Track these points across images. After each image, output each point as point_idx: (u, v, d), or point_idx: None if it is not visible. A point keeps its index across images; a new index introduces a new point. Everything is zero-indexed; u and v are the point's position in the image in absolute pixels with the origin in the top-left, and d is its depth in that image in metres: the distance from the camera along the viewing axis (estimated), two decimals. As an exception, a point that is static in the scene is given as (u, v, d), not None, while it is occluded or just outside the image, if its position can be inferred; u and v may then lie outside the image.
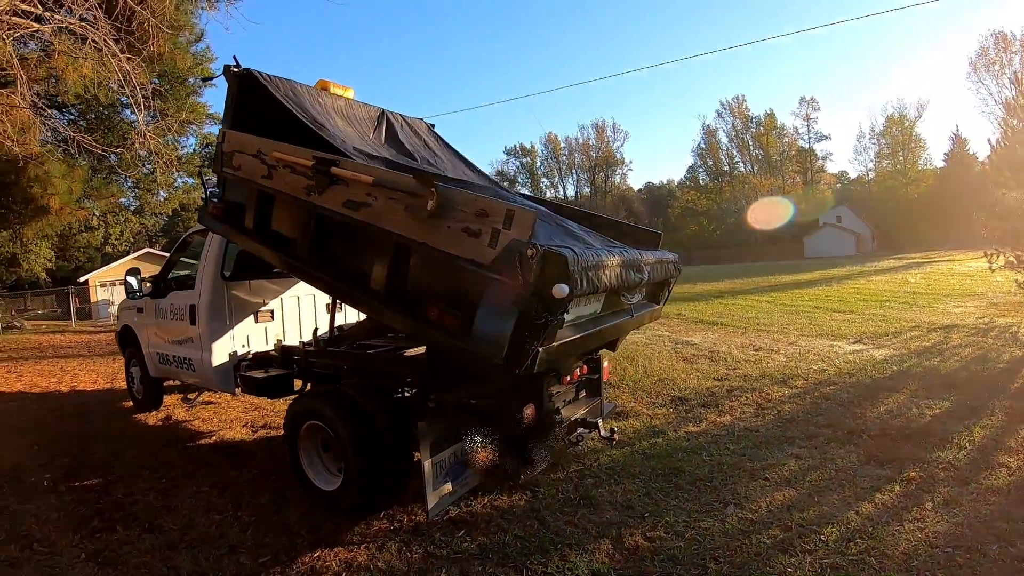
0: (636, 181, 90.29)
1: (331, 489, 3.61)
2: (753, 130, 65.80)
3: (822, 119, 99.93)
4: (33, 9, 6.12)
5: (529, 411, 3.29)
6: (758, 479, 3.70)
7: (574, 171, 74.35)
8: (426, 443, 3.01)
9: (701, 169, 69.57)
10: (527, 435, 3.33)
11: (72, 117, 13.39)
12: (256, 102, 4.05)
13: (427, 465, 2.99)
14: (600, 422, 3.86)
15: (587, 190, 73.23)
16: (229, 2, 15.73)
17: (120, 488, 4.28)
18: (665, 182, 75.34)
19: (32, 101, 9.07)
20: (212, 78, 19.17)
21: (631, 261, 3.27)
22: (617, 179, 74.03)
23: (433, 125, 5.69)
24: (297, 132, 3.81)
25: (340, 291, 3.58)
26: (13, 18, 6.02)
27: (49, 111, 11.75)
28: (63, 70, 7.55)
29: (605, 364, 4.42)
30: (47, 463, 4.88)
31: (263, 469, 4.42)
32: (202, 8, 15.08)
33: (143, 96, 7.70)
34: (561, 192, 74.84)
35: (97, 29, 6.76)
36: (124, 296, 6.48)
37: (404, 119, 5.22)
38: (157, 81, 12.59)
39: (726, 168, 67.52)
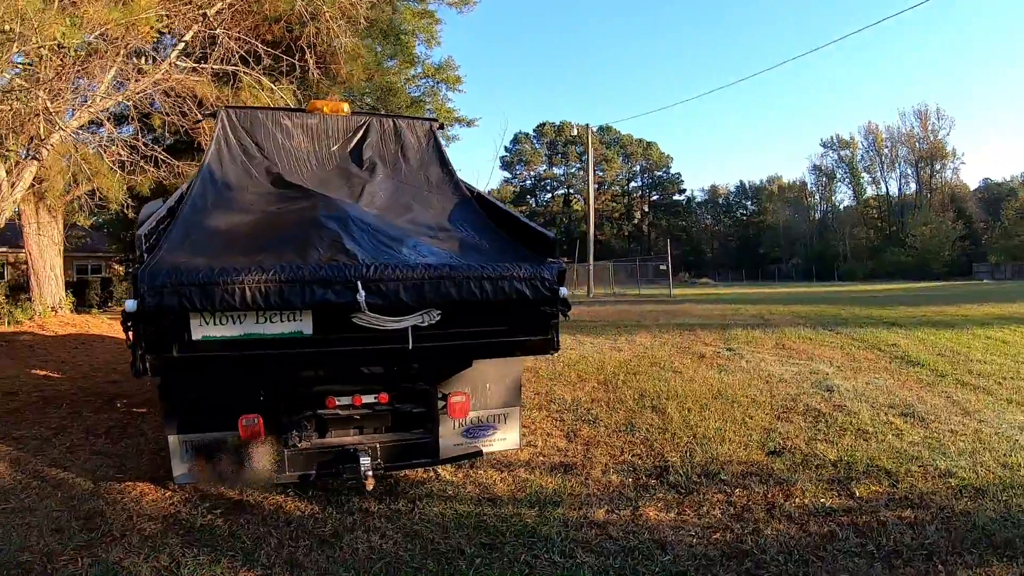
0: (972, 177, 71.58)
1: None
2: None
3: None
4: (190, 64, 7.91)
5: (246, 422, 3.28)
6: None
7: (898, 165, 62.49)
8: (170, 422, 3.41)
9: (1049, 161, 51.65)
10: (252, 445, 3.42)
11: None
12: None
13: (171, 440, 3.41)
14: (364, 459, 3.40)
15: (914, 186, 60.88)
16: (460, 9, 17.59)
17: (145, 419, 5.68)
18: (1008, 179, 59.10)
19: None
20: (459, 83, 21.72)
21: (316, 278, 2.87)
22: (948, 174, 59.50)
23: (442, 126, 5.81)
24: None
25: None
26: (174, 75, 7.90)
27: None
28: (249, 101, 9.48)
29: (455, 400, 3.75)
30: (140, 396, 6.56)
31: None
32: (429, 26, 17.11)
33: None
34: (883, 189, 64.54)
35: (250, 71, 8.38)
36: None
37: (396, 124, 5.48)
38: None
39: (1076, 159, 48.22)
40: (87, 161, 8.87)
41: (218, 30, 7.99)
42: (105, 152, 8.51)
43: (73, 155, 8.65)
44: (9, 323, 12.03)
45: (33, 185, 7.95)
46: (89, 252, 22.84)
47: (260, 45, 8.90)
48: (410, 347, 3.07)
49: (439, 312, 3.11)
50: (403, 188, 4.74)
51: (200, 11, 7.97)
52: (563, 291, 3.39)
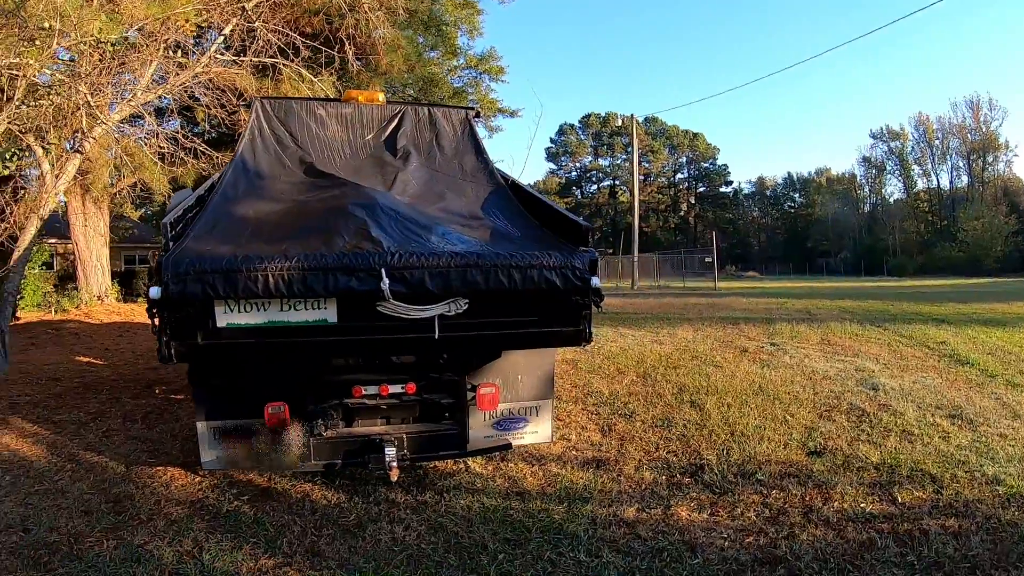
0: (1025, 169, 68.65)
1: None
2: None
3: None
4: (229, 58, 8.00)
5: (272, 409, 3.26)
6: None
7: (949, 156, 60.24)
8: (200, 408, 3.45)
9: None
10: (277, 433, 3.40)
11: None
12: None
13: (200, 426, 3.45)
14: (389, 450, 3.35)
15: (966, 179, 58.70)
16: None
17: (182, 406, 5.74)
18: (1065, 170, 56.34)
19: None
20: (502, 73, 21.58)
21: (339, 266, 2.84)
22: (1001, 167, 57.05)
23: (478, 114, 5.88)
24: None
25: None
26: (214, 68, 8.01)
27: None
28: (289, 93, 9.55)
29: (485, 391, 3.66)
30: (178, 383, 6.66)
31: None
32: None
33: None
34: (934, 182, 62.22)
35: (289, 63, 8.42)
36: None
37: (431, 113, 5.44)
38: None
39: None
40: (130, 154, 9.12)
41: (257, 23, 8.07)
42: (147, 145, 8.72)
43: (115, 148, 8.90)
44: (56, 311, 12.57)
45: (77, 178, 8.22)
46: (137, 243, 23.78)
47: (299, 37, 8.94)
48: (436, 336, 3.00)
49: (466, 301, 3.04)
50: (437, 176, 4.70)
51: (238, 4, 8.05)
52: (595, 281, 3.26)
